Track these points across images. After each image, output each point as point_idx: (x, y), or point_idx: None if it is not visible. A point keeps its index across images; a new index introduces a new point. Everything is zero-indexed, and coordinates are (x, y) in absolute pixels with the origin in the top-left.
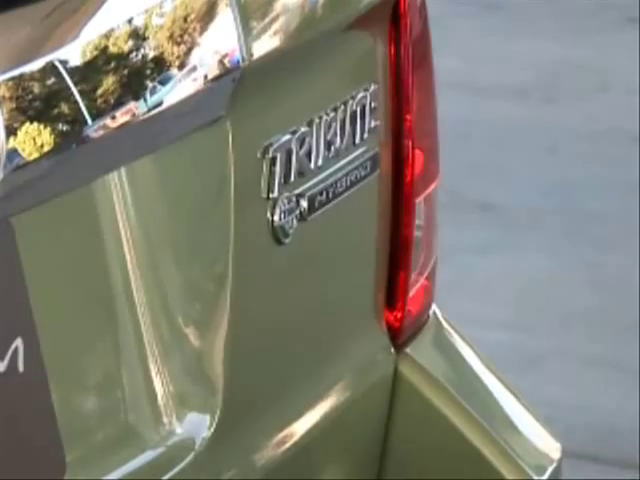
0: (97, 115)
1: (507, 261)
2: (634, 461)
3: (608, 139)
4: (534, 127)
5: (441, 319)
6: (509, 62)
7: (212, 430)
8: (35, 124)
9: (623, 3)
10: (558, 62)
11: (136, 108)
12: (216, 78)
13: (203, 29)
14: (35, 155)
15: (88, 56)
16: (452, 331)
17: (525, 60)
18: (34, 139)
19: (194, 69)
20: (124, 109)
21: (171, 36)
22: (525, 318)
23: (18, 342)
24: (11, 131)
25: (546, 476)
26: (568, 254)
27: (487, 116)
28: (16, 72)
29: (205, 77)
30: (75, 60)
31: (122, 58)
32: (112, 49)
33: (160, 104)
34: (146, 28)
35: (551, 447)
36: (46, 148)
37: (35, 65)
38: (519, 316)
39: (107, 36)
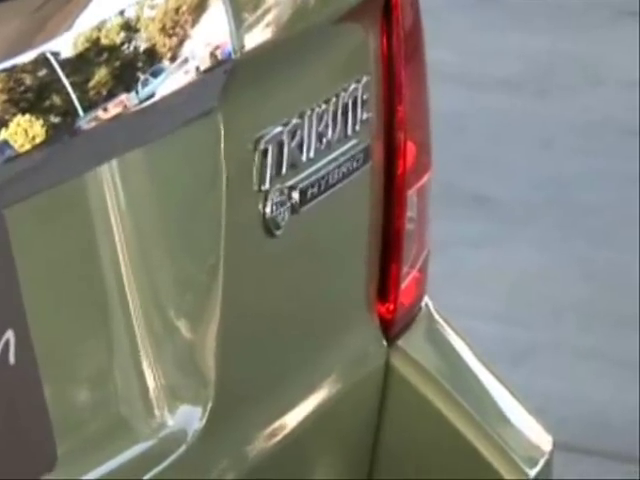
0: (89, 107)
1: (500, 254)
2: (628, 454)
3: (603, 132)
4: (529, 120)
5: (433, 311)
6: (504, 55)
7: (204, 422)
8: (27, 116)
9: None
10: (553, 55)
11: (128, 100)
12: (208, 70)
13: (195, 21)
14: (27, 147)
15: (80, 48)
16: (444, 323)
17: (520, 53)
18: (26, 131)
19: (186, 61)
20: (116, 101)
21: (163, 28)
22: (517, 311)
23: (9, 334)
24: (2, 123)
25: (537, 469)
26: (561, 247)
27: (482, 109)
28: (8, 64)
29: (197, 69)
30: (67, 52)
31: (114, 50)
32: (104, 41)
33: (152, 96)
34: (138, 20)
35: (542, 440)
36: (38, 140)
37: (27, 57)
38: (511, 309)
39: (99, 28)
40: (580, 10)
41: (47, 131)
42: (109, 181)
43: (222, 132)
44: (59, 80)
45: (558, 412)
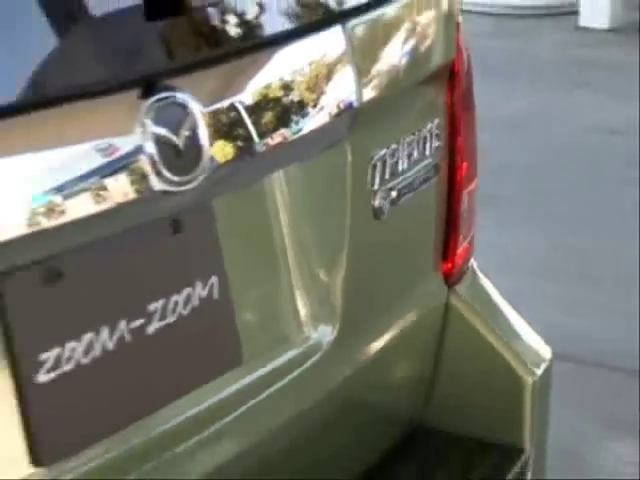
0: (261, 136)
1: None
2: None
3: (556, 158)
4: (510, 148)
5: (476, 268)
6: (497, 108)
7: (333, 337)
8: (223, 141)
9: (576, 73)
10: (529, 110)
11: (286, 133)
12: (338, 114)
13: (328, 82)
14: (223, 161)
15: (256, 99)
16: (482, 276)
17: (507, 110)
18: (222, 150)
19: (323, 108)
20: (278, 133)
21: (308, 87)
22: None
23: (214, 279)
24: (210, 144)
25: (542, 370)
26: (523, 223)
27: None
28: (213, 108)
29: (329, 114)
30: (248, 101)
31: (277, 101)
32: (271, 95)
33: (301, 130)
34: (292, 82)
35: (545, 351)
36: (229, 157)
37: (223, 104)
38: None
39: (267, 87)
40: (548, 79)
41: (235, 151)
42: (277, 184)
43: (349, 153)
44: (242, 119)
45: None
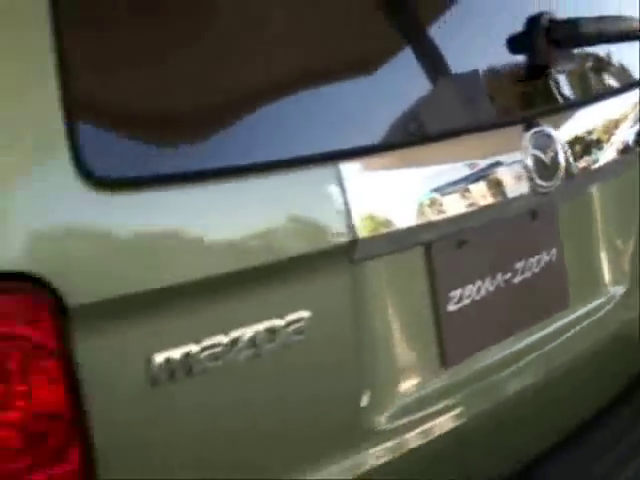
0: (574, 160)
1: None
2: None
3: None
4: None
5: None
6: None
7: (622, 292)
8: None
9: None
10: None
11: (586, 160)
12: (625, 151)
13: (633, 125)
14: (568, 174)
15: (575, 129)
16: None
17: None
18: (567, 167)
19: (614, 144)
20: (583, 161)
21: (604, 131)
22: None
23: (554, 250)
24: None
25: None
26: None
27: None
28: (565, 138)
29: (617, 150)
30: (563, 136)
31: (581, 139)
32: (576, 133)
33: (597, 161)
34: (612, 126)
35: None
36: (571, 172)
37: (572, 135)
38: None
39: (578, 130)
40: None
41: (562, 172)
42: (595, 193)
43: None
44: (555, 149)
45: None
